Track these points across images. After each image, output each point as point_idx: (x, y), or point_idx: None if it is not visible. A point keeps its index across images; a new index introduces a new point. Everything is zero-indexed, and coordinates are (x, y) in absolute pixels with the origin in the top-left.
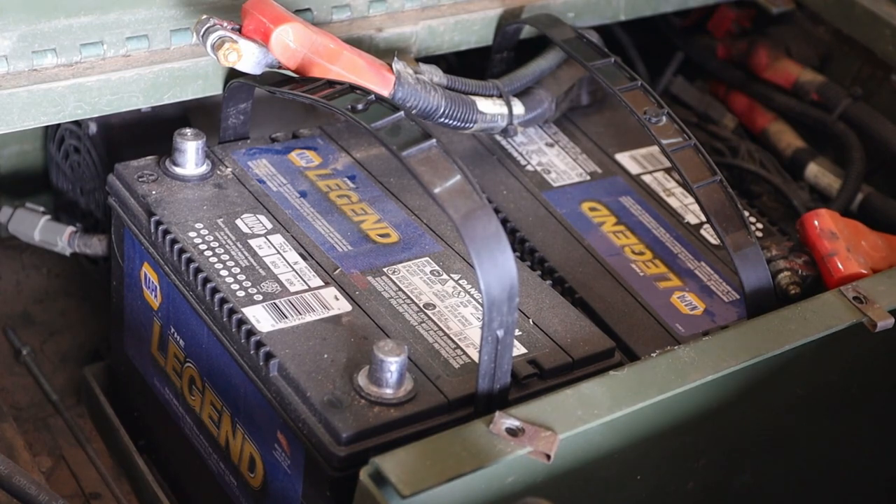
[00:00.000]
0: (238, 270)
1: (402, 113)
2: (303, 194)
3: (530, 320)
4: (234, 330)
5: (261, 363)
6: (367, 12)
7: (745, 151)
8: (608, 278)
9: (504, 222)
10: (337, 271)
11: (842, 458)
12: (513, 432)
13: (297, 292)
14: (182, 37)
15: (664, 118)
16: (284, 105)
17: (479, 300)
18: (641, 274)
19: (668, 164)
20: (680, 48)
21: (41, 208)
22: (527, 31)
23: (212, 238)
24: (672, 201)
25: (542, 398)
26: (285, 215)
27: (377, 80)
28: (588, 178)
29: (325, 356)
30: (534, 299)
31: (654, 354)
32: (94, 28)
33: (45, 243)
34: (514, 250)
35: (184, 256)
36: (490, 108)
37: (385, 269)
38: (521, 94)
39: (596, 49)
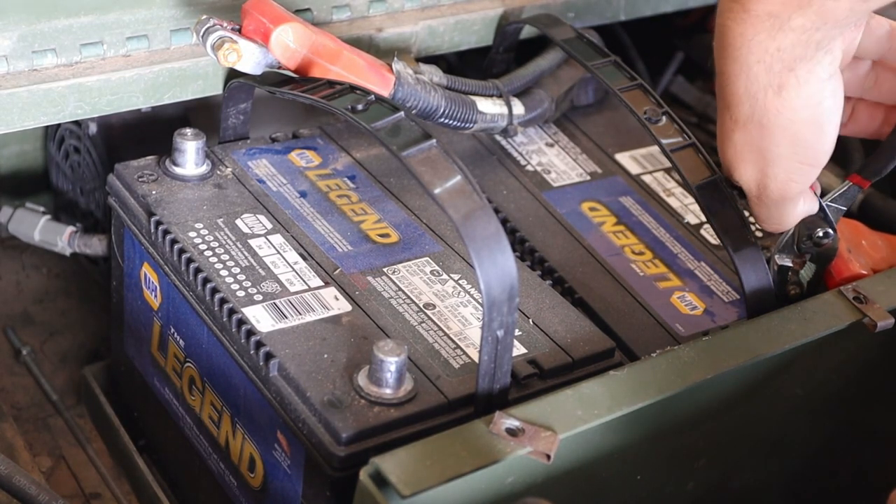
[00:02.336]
0: (238, 270)
1: (401, 113)
2: (303, 194)
3: (530, 320)
4: (234, 330)
5: (261, 363)
6: (367, 12)
7: None
8: (608, 278)
9: (504, 222)
10: (337, 271)
11: (842, 459)
12: (513, 432)
13: (297, 292)
14: (182, 37)
15: (664, 118)
16: (284, 105)
17: (479, 300)
18: (641, 274)
19: (668, 164)
20: (680, 48)
21: (41, 208)
22: (527, 31)
23: (212, 238)
24: (672, 201)
25: (542, 398)
26: (285, 215)
27: (377, 80)
28: (588, 178)
29: (325, 356)
30: (534, 299)
31: (654, 354)
32: (94, 28)
33: (45, 243)
34: (514, 250)
35: (184, 256)
36: (490, 108)
37: (385, 269)
38: (521, 94)
39: (596, 49)
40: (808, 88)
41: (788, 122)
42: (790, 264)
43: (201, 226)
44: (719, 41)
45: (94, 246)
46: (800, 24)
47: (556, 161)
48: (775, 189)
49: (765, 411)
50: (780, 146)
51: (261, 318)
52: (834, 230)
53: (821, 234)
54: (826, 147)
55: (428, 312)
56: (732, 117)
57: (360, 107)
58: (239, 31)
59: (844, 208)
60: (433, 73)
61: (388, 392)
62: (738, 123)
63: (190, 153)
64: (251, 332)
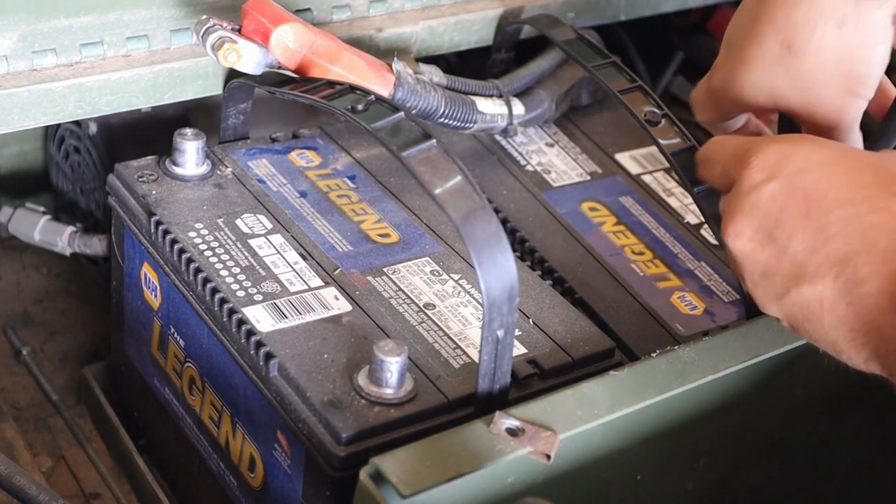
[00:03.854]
0: (238, 270)
1: (401, 113)
2: (303, 194)
3: (530, 320)
4: (234, 330)
5: (261, 363)
6: (367, 12)
7: None
8: (608, 278)
9: (504, 222)
10: (337, 271)
11: (841, 459)
12: (513, 432)
13: (297, 292)
14: (182, 37)
15: (664, 120)
16: (284, 105)
17: (479, 300)
18: (641, 274)
19: (668, 164)
20: (680, 48)
21: (41, 208)
22: (527, 31)
23: (212, 238)
24: (672, 201)
25: (542, 398)
26: (285, 215)
27: (377, 80)
28: (588, 178)
29: (325, 356)
30: (534, 299)
31: (654, 354)
32: (94, 28)
33: (45, 243)
34: (514, 250)
35: (184, 256)
36: (490, 108)
37: (385, 269)
38: (521, 94)
39: (596, 49)
40: (866, 28)
41: (843, 57)
42: None
43: (201, 226)
44: None
45: (94, 246)
46: None
47: (556, 161)
48: (826, 117)
49: (765, 411)
50: (834, 78)
51: (261, 318)
52: None
53: None
54: (874, 82)
55: (428, 312)
56: (785, 43)
57: (360, 107)
58: (239, 31)
59: None
60: (433, 73)
61: (388, 392)
62: (791, 50)
63: (190, 153)
64: (251, 332)
